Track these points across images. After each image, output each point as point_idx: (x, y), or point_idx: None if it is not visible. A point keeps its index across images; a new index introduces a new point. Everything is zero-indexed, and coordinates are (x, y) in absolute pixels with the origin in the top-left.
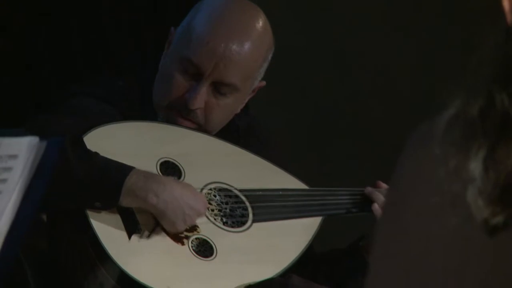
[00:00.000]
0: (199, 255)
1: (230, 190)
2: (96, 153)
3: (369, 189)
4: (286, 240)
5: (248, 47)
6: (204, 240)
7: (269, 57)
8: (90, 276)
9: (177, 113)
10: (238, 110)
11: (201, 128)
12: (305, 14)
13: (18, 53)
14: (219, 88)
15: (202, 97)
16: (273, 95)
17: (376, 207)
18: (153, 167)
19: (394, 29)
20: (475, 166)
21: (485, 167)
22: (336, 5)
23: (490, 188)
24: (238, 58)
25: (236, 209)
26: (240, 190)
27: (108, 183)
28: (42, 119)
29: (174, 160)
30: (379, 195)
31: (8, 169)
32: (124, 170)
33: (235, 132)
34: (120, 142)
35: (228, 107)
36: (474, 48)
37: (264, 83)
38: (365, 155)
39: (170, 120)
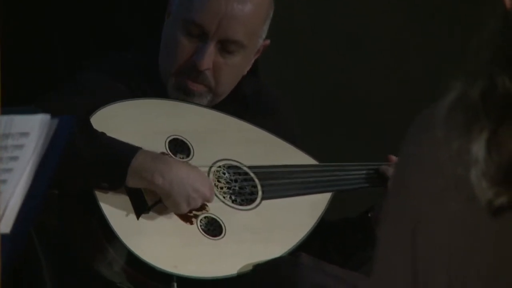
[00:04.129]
0: (207, 234)
1: (240, 167)
2: (103, 133)
3: (383, 167)
4: (296, 217)
5: (250, 2)
6: (213, 218)
7: (271, 15)
8: (99, 256)
9: (186, 77)
10: (245, 72)
11: (211, 90)
12: None
13: (27, 29)
14: (226, 46)
15: (209, 57)
16: (284, 71)
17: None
18: (162, 145)
19: (403, 10)
20: (478, 148)
21: (488, 149)
22: None
23: (493, 169)
24: (241, 14)
25: (245, 186)
26: (250, 167)
27: (114, 164)
28: (51, 97)
29: (182, 137)
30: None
31: (20, 146)
32: (130, 150)
33: (242, 101)
34: (128, 120)
35: (236, 66)
36: (475, 31)
37: (268, 41)
38: (375, 131)
39: (180, 86)
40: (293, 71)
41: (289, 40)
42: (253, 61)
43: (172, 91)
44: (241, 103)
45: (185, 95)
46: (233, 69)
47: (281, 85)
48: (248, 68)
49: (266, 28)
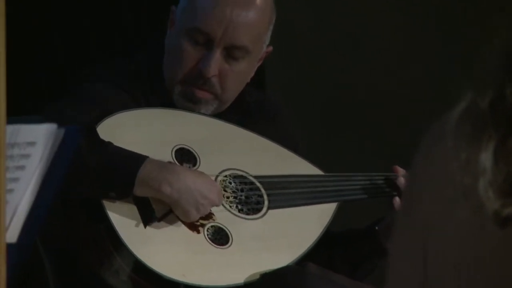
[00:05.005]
0: (214, 243)
1: (245, 177)
2: (110, 143)
3: (401, 181)
4: (302, 226)
5: (254, 9)
6: (220, 228)
7: (273, 20)
8: (105, 264)
9: (193, 85)
10: (249, 79)
11: (217, 97)
12: None
13: (31, 38)
14: (231, 52)
15: (216, 63)
16: (289, 79)
17: (396, 199)
18: (168, 154)
19: (410, 17)
20: (486, 158)
21: (495, 158)
22: None
23: (500, 179)
24: (246, 20)
25: (251, 196)
26: (255, 177)
27: (122, 174)
28: (56, 107)
29: (189, 146)
30: None
31: (26, 156)
32: (138, 159)
33: (245, 109)
34: (134, 130)
35: (241, 73)
36: (485, 41)
37: (271, 48)
38: (380, 141)
39: (186, 94)
40: (298, 80)
41: (295, 49)
42: (256, 68)
43: (178, 98)
44: (244, 111)
45: (191, 103)
46: (239, 76)
47: (287, 94)
48: (252, 74)
49: (269, 34)
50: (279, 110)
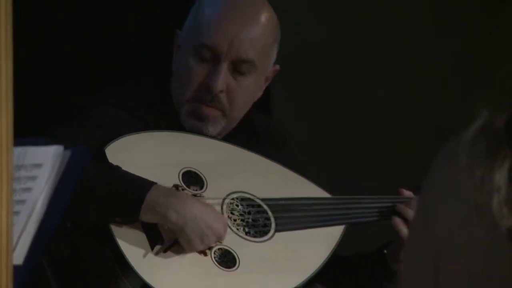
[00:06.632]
0: (222, 265)
1: (253, 200)
2: (118, 167)
3: (400, 207)
4: (309, 249)
5: (259, 22)
6: (227, 250)
7: (279, 39)
8: (112, 287)
9: (200, 102)
10: (256, 98)
11: (225, 115)
12: (329, 17)
13: (37, 63)
14: (238, 67)
15: (223, 78)
16: (297, 102)
17: (396, 221)
18: (175, 177)
19: (421, 36)
20: (500, 177)
21: (510, 177)
22: (362, 9)
23: None
24: (251, 34)
25: (258, 218)
26: (263, 199)
27: (129, 199)
28: (62, 131)
29: (196, 169)
30: (410, 211)
31: (33, 178)
32: (145, 185)
33: (254, 133)
34: (141, 152)
35: (249, 89)
36: (502, 60)
37: (278, 67)
38: (387, 163)
39: (194, 111)
40: (307, 101)
41: (303, 71)
42: (264, 87)
43: (186, 118)
44: (252, 135)
45: (199, 121)
46: (246, 92)
47: (294, 116)
48: (259, 93)
49: (275, 51)
50: (286, 138)
